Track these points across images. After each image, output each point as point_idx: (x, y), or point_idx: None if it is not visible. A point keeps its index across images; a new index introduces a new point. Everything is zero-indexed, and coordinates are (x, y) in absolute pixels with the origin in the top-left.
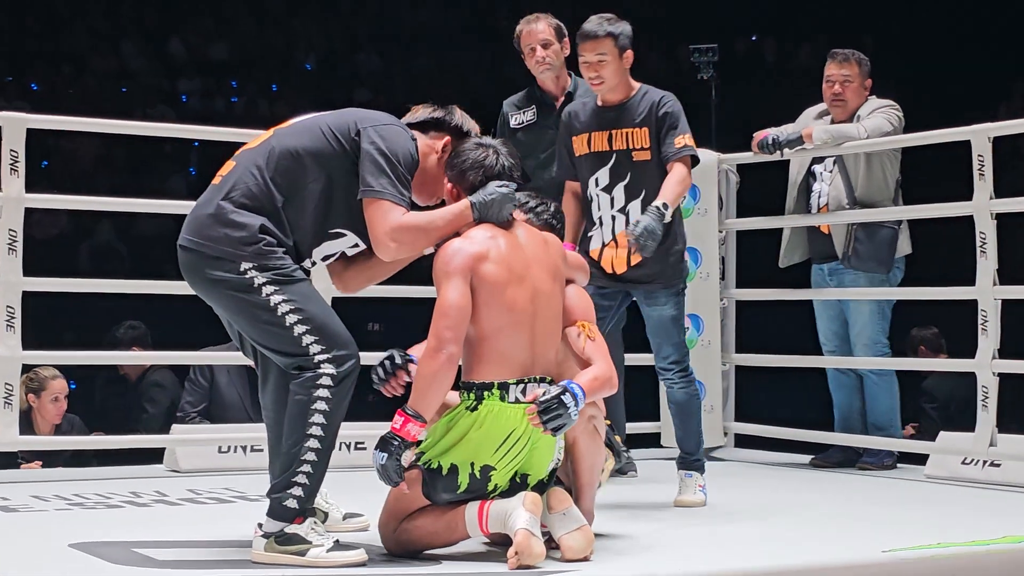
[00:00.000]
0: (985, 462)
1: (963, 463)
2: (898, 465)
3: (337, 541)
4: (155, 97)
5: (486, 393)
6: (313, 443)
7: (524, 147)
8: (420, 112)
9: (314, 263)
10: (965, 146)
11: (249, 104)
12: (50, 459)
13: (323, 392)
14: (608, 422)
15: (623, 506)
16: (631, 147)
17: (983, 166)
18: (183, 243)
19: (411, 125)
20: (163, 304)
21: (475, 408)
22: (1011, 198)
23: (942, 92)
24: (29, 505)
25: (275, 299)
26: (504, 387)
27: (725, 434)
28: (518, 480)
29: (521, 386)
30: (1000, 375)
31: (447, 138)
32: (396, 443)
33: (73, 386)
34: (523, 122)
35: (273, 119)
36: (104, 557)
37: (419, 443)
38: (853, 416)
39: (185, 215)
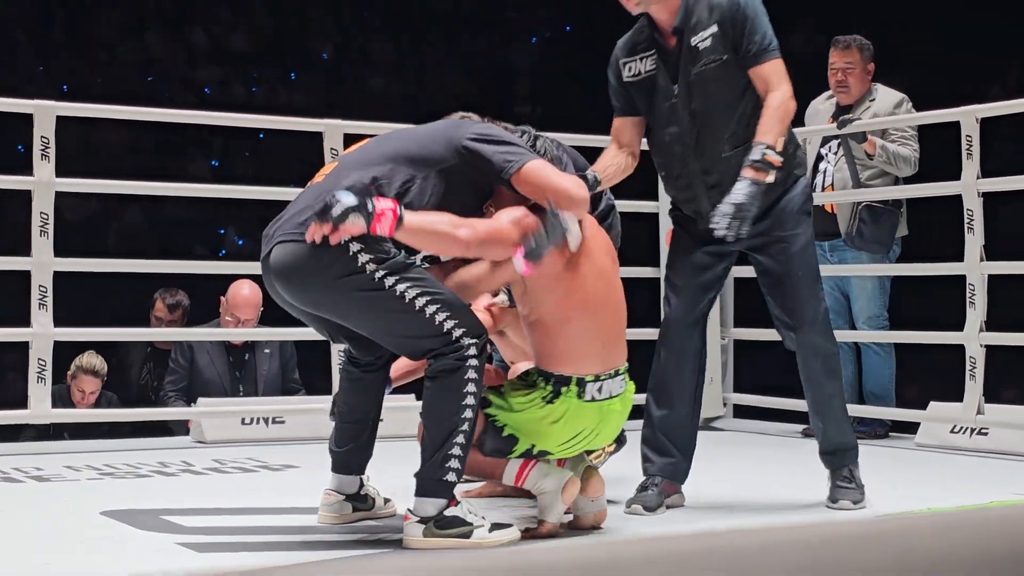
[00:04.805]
0: (973, 430)
1: (952, 431)
2: (890, 434)
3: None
4: (179, 85)
5: (563, 388)
6: (468, 413)
7: None
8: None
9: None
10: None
11: (269, 92)
12: (87, 432)
13: (473, 362)
14: None
15: (626, 477)
16: None
17: (971, 146)
18: (286, 238)
19: None
20: (187, 283)
21: (551, 401)
22: (997, 177)
23: (934, 77)
24: (62, 475)
25: (400, 287)
26: (582, 384)
27: (724, 405)
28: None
29: (598, 384)
30: (987, 346)
31: None
32: (367, 213)
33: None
34: None
35: (291, 106)
36: (134, 524)
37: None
38: (847, 387)
39: (209, 198)
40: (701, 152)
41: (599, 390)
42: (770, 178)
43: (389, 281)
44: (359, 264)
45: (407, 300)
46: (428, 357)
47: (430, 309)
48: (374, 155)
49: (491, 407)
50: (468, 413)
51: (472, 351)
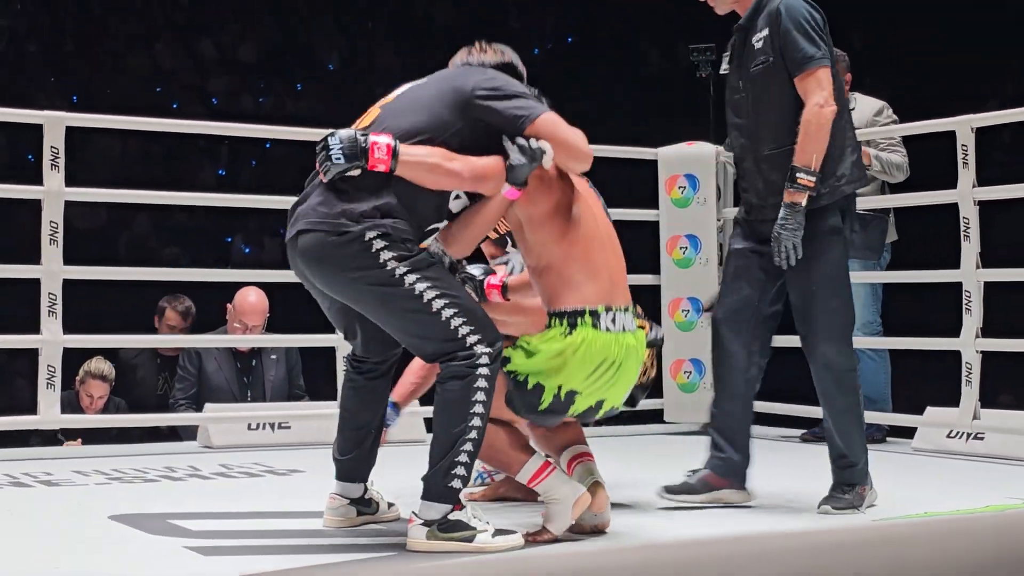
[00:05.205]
0: (969, 435)
1: (948, 436)
2: (887, 439)
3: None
4: (187, 95)
5: (579, 320)
6: (476, 421)
7: None
8: (489, 56)
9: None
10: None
11: (276, 102)
12: (95, 437)
13: (484, 371)
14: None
15: (628, 483)
16: None
17: (967, 155)
18: (311, 227)
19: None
20: (194, 290)
21: (569, 333)
22: (992, 186)
23: (930, 90)
24: (71, 480)
25: (420, 287)
26: (595, 314)
27: None
28: (593, 406)
29: (611, 314)
30: (982, 352)
31: None
32: (362, 162)
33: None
34: None
35: (298, 116)
36: (141, 528)
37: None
38: None
39: (216, 207)
40: (752, 146)
41: (613, 321)
42: (803, 199)
43: (409, 279)
44: (380, 260)
45: (424, 300)
46: (440, 361)
47: (446, 312)
48: (390, 129)
49: (510, 364)
50: (476, 421)
51: (484, 360)
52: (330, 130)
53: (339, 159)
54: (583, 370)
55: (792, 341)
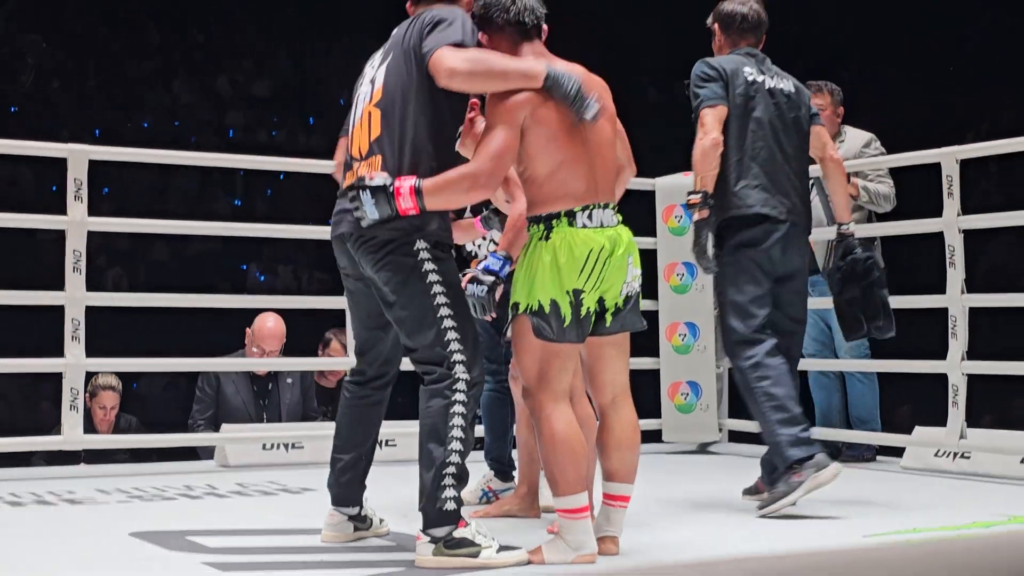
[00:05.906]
0: (956, 454)
1: (936, 455)
2: (877, 458)
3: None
4: (205, 129)
5: (554, 222)
6: (456, 445)
7: None
8: None
9: None
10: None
11: (289, 136)
12: (112, 456)
13: (460, 396)
14: None
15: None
16: None
17: (951, 186)
18: (349, 230)
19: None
20: (211, 316)
21: (547, 237)
22: (977, 215)
23: (913, 124)
24: (93, 498)
25: (436, 289)
26: (571, 214)
27: (720, 430)
28: (595, 308)
29: (587, 212)
30: (968, 375)
31: None
32: (391, 206)
33: (135, 386)
34: None
35: (310, 149)
36: (161, 544)
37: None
38: (832, 413)
39: (232, 236)
40: None
41: (589, 217)
42: (695, 215)
43: (432, 278)
44: (415, 249)
45: (433, 303)
46: (422, 373)
47: (447, 323)
48: (401, 139)
49: (520, 305)
50: (456, 445)
51: (461, 386)
52: (361, 183)
53: (373, 214)
54: (575, 269)
55: None
